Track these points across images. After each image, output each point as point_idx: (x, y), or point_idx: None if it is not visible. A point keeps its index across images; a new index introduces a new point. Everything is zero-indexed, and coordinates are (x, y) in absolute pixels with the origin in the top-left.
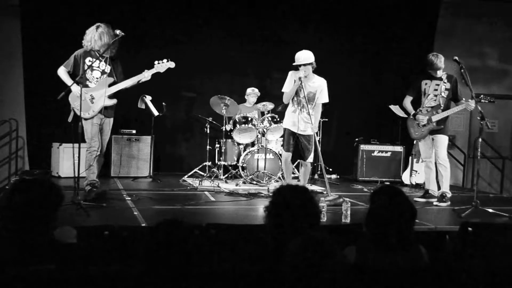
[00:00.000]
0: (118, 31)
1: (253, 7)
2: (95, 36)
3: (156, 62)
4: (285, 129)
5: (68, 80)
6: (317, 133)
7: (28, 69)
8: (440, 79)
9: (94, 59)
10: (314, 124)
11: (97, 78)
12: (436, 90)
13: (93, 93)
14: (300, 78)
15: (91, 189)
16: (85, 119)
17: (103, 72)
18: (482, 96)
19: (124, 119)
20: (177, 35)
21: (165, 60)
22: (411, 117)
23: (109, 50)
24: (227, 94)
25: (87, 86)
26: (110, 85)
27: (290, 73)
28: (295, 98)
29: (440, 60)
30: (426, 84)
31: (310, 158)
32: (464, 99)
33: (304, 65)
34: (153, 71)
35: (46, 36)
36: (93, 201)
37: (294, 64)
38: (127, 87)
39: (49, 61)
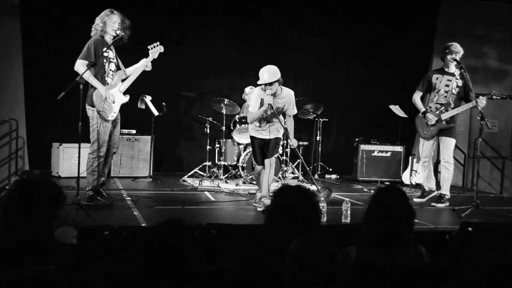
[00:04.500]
0: (118, 31)
1: (253, 7)
2: (118, 19)
3: (149, 47)
4: (253, 140)
5: (93, 80)
6: (317, 133)
7: (28, 69)
8: (453, 75)
9: (109, 50)
10: (292, 139)
11: (112, 72)
12: (447, 86)
13: (112, 91)
14: (270, 104)
15: (93, 195)
16: (107, 121)
17: (115, 65)
18: (494, 92)
19: (124, 119)
20: (178, 35)
21: (155, 44)
22: (421, 115)
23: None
24: (227, 94)
25: (105, 82)
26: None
27: (257, 90)
28: (263, 116)
29: (458, 46)
30: (437, 78)
31: (273, 158)
32: (473, 98)
33: (270, 84)
34: (150, 58)
35: (46, 36)
36: (94, 201)
37: (258, 83)
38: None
39: (49, 61)
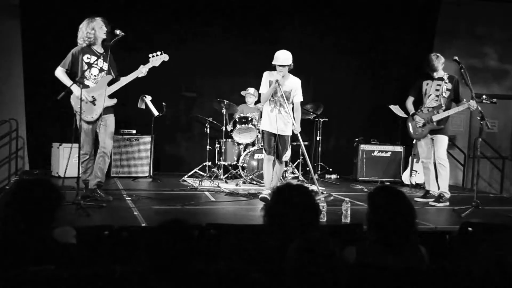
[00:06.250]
0: (118, 31)
1: (253, 7)
2: (95, 27)
3: (150, 55)
4: (263, 132)
5: (67, 81)
6: (317, 133)
7: (28, 69)
8: (442, 79)
9: (91, 56)
10: (296, 125)
11: (95, 76)
12: (437, 90)
13: (94, 93)
14: (277, 80)
15: (95, 188)
16: (88, 122)
17: (101, 70)
18: (484, 96)
19: (124, 119)
20: (177, 35)
21: (158, 53)
22: (410, 117)
23: (103, 44)
24: (227, 94)
25: (86, 86)
26: (109, 84)
27: (265, 74)
28: (272, 98)
29: (439, 61)
30: (427, 84)
31: (285, 157)
32: (464, 99)
33: (283, 66)
34: (148, 65)
35: (46, 36)
36: (93, 201)
37: (273, 63)
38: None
39: (49, 61)
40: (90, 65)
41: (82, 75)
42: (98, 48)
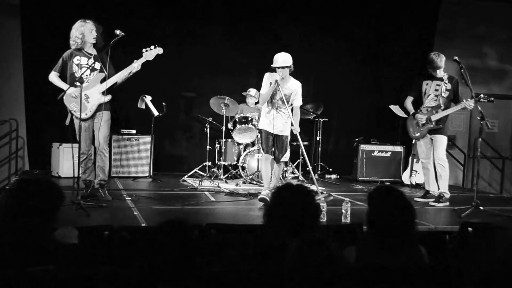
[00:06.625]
0: (118, 31)
1: (253, 7)
2: (84, 31)
3: (144, 50)
4: (260, 131)
5: (61, 84)
6: (317, 133)
7: (28, 69)
8: (441, 79)
9: (82, 57)
10: (296, 126)
11: (86, 75)
12: (437, 90)
13: (86, 92)
14: (276, 81)
15: (98, 187)
16: (84, 120)
17: (92, 69)
18: (481, 95)
19: (124, 119)
20: (177, 34)
21: (152, 47)
22: (411, 116)
23: (94, 46)
24: (227, 94)
25: (76, 86)
26: (101, 81)
27: (266, 75)
28: (270, 100)
29: (440, 60)
30: (427, 84)
31: (285, 158)
32: (464, 100)
33: (283, 67)
34: (142, 60)
35: (46, 36)
36: (93, 201)
37: (272, 66)
38: (120, 81)
39: (49, 61)
40: (80, 66)
41: (80, 77)
42: (89, 50)
